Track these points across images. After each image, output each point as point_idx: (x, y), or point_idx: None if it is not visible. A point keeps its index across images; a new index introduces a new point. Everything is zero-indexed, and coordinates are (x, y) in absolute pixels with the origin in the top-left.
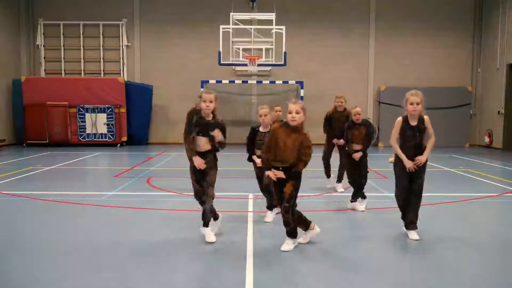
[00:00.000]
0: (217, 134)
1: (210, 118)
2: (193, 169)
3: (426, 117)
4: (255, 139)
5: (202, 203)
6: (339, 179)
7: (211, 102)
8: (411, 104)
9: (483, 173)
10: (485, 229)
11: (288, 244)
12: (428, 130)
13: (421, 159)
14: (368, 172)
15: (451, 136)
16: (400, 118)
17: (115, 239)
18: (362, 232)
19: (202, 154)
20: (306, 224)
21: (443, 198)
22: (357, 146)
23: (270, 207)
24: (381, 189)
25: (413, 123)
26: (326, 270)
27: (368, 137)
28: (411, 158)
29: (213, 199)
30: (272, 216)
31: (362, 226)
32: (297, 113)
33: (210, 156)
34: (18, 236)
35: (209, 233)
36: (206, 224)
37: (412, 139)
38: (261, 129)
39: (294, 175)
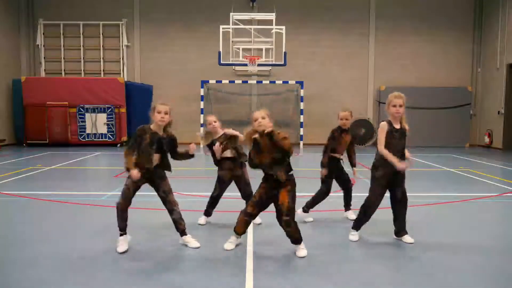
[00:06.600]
0: (192, 147)
1: (162, 133)
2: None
3: (407, 127)
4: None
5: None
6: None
7: (166, 113)
8: (394, 106)
9: (483, 173)
10: (485, 229)
11: (302, 250)
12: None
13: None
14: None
15: (451, 136)
16: (384, 122)
17: (114, 239)
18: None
19: (152, 168)
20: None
21: (442, 198)
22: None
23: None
24: None
25: (397, 126)
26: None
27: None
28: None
29: (177, 205)
30: (204, 220)
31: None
32: (263, 118)
33: (159, 170)
34: (18, 236)
35: (191, 240)
36: (184, 233)
37: (398, 143)
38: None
39: (288, 180)
